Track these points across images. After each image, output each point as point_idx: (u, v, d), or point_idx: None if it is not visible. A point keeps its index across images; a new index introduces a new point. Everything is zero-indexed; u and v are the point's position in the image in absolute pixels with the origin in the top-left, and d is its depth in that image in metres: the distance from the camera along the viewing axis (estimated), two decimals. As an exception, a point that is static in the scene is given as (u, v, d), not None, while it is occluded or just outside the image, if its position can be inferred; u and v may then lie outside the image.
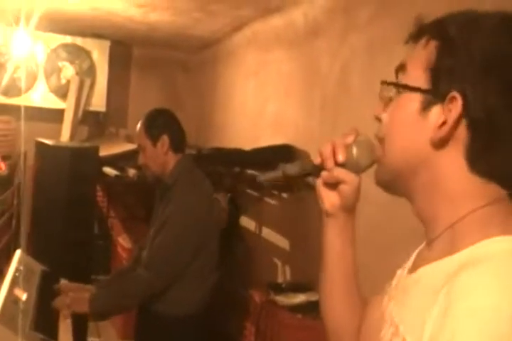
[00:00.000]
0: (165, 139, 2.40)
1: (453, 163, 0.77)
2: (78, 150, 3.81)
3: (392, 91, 0.84)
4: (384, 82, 0.86)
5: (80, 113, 5.04)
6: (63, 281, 2.43)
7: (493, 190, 0.77)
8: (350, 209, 1.00)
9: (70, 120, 4.84)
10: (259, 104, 4.06)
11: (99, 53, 5.21)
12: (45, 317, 1.98)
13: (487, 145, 0.75)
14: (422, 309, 0.71)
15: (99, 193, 4.59)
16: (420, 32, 0.83)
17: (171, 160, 2.43)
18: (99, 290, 2.37)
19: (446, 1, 2.18)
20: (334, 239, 1.04)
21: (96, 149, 3.82)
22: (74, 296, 2.24)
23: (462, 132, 0.75)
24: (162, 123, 2.45)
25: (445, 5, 2.19)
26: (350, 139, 0.94)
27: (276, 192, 3.65)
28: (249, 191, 3.98)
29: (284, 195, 3.57)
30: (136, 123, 2.52)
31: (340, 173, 0.94)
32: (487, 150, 0.75)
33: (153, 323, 2.39)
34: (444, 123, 0.75)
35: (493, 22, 0.77)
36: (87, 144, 4.64)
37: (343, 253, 1.04)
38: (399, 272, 0.94)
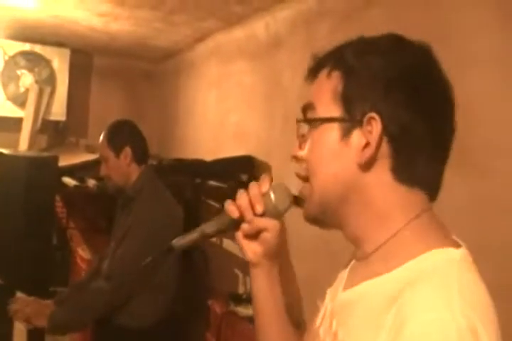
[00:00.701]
0: (128, 151, 2.41)
1: (380, 179, 0.80)
2: (36, 159, 3.74)
3: (306, 128, 0.87)
4: (299, 120, 0.89)
5: (39, 122, 4.96)
6: (19, 295, 2.38)
7: (421, 199, 0.81)
8: (273, 254, 1.02)
9: (28, 129, 4.76)
10: (221, 115, 4.08)
11: (60, 61, 5.14)
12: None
13: (408, 156, 0.79)
14: (370, 327, 0.72)
15: (59, 204, 4.52)
16: (318, 67, 0.87)
17: (134, 171, 2.43)
18: (58, 304, 2.33)
19: (400, 15, 2.24)
20: (262, 285, 1.05)
21: (55, 159, 3.76)
22: (34, 310, 2.20)
23: (385, 149, 0.79)
24: (125, 134, 2.45)
25: (397, 19, 2.24)
26: (265, 187, 0.96)
27: (237, 203, 3.65)
28: (210, 202, 3.97)
29: (245, 205, 3.57)
30: (97, 133, 2.51)
31: (261, 222, 0.95)
32: (409, 161, 0.79)
33: (112, 336, 2.36)
34: (366, 145, 0.78)
35: (385, 43, 0.82)
36: (45, 154, 4.56)
37: (272, 295, 1.05)
38: (328, 291, 0.96)
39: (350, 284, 0.86)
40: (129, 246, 2.28)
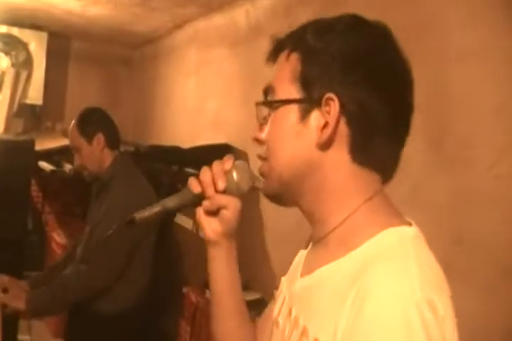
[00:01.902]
0: (100, 136, 2.41)
1: (338, 160, 0.81)
2: (12, 143, 3.71)
3: (266, 111, 0.87)
4: (258, 103, 0.89)
5: (16, 106, 4.90)
6: None
7: (375, 181, 0.83)
8: (231, 233, 1.03)
9: (4, 113, 4.71)
10: (199, 103, 4.06)
11: (37, 45, 5.07)
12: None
13: (366, 136, 0.80)
14: (331, 310, 0.74)
15: (34, 188, 4.48)
16: (278, 48, 0.87)
17: (108, 157, 2.44)
18: (37, 287, 2.32)
19: (381, 3, 2.25)
20: (220, 265, 1.05)
21: (31, 142, 3.73)
22: (11, 293, 2.20)
23: (343, 129, 0.79)
24: (96, 121, 2.46)
25: (379, 7, 2.25)
26: (228, 165, 0.97)
27: (214, 191, 3.65)
28: (187, 189, 3.97)
29: (222, 193, 3.58)
30: (74, 118, 2.50)
31: (223, 199, 0.96)
32: (367, 141, 0.80)
33: (87, 320, 2.36)
34: (325, 125, 0.79)
35: (344, 23, 0.82)
36: (22, 137, 4.51)
37: (231, 277, 1.06)
38: (284, 278, 0.98)
39: (308, 270, 0.86)
40: (103, 232, 2.27)
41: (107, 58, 5.57)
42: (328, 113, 0.79)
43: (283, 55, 0.86)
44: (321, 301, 0.79)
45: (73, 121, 2.47)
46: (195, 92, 4.16)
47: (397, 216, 0.81)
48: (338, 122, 0.79)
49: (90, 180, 2.51)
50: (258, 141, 0.89)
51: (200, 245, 3.64)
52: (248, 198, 3.24)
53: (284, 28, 2.84)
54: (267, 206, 3.05)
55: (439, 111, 1.96)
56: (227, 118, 3.60)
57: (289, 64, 0.84)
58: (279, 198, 0.89)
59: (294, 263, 0.96)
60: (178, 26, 4.41)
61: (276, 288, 1.01)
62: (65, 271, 2.36)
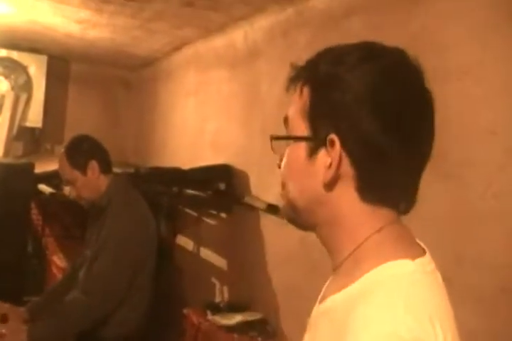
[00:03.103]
0: (94, 164, 2.41)
1: (345, 198, 0.81)
2: (12, 166, 3.72)
3: (281, 144, 0.88)
4: (272, 137, 0.90)
5: (15, 129, 4.92)
6: None
7: (386, 214, 0.81)
8: None
9: (4, 136, 4.72)
10: (198, 124, 4.07)
11: (36, 68, 5.10)
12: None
13: (372, 174, 0.79)
14: None
15: (34, 211, 4.47)
16: (294, 79, 0.87)
17: (103, 182, 2.44)
18: (37, 314, 2.30)
19: (378, 25, 2.27)
20: None
21: (31, 166, 3.73)
22: (10, 326, 2.18)
23: (348, 169, 0.78)
24: (86, 150, 2.44)
25: (376, 29, 2.27)
26: None
27: (214, 212, 3.65)
28: (187, 210, 3.96)
29: (223, 214, 3.58)
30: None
31: None
32: (373, 179, 0.79)
33: None
34: (330, 164, 0.79)
35: (356, 54, 0.80)
36: (22, 160, 4.52)
37: None
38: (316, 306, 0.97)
39: (322, 298, 0.86)
40: (104, 261, 2.28)
41: (106, 80, 5.60)
42: (332, 153, 0.79)
43: (297, 87, 0.85)
44: (322, 332, 0.79)
45: (62, 155, 2.44)
46: (195, 114, 4.17)
47: (404, 248, 0.79)
48: (340, 163, 0.78)
49: (88, 207, 2.50)
50: (279, 167, 0.90)
51: (200, 266, 3.64)
52: (249, 218, 3.25)
53: (282, 49, 2.88)
54: (268, 227, 3.04)
55: (436, 130, 1.96)
56: (227, 139, 3.61)
57: (302, 98, 0.83)
58: (297, 225, 0.90)
59: (323, 290, 0.96)
60: (177, 48, 4.44)
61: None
62: (67, 297, 2.34)
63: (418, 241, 0.85)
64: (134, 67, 5.44)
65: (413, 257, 0.77)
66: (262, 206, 2.97)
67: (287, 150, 0.86)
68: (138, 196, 2.51)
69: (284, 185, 0.88)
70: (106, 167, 2.46)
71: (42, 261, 4.38)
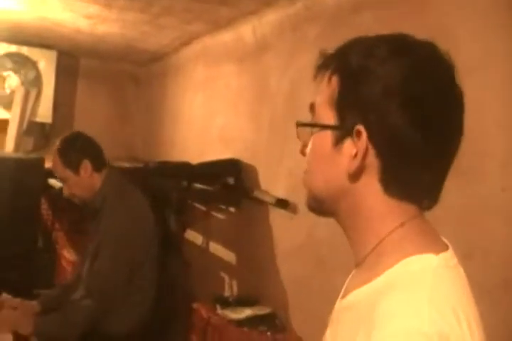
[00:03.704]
0: (86, 163, 2.38)
1: (369, 189, 0.81)
2: (23, 161, 3.74)
3: (306, 131, 0.87)
4: (297, 124, 0.90)
5: (25, 124, 4.94)
6: (5, 296, 2.38)
7: (409, 209, 0.81)
8: None
9: (14, 131, 4.73)
10: (207, 118, 4.08)
11: (46, 63, 5.12)
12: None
13: (396, 168, 0.79)
14: (349, 337, 0.74)
15: (44, 205, 4.49)
16: (323, 67, 0.86)
17: (97, 180, 2.41)
18: (49, 307, 2.31)
19: (389, 19, 2.26)
20: None
21: (41, 160, 3.75)
22: (19, 316, 2.19)
23: (373, 160, 0.79)
24: (78, 149, 2.41)
25: (387, 23, 2.26)
26: None
27: (223, 206, 3.66)
28: (196, 205, 3.97)
29: (231, 209, 3.59)
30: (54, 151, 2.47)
31: None
32: (397, 173, 0.79)
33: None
34: (356, 155, 0.79)
35: (386, 47, 0.80)
36: (32, 155, 4.54)
37: None
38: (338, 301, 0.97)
39: (345, 293, 0.87)
40: (103, 261, 2.28)
41: (115, 76, 5.61)
42: (358, 144, 0.79)
43: (326, 75, 0.85)
44: (344, 326, 0.79)
45: (55, 153, 2.42)
46: (203, 108, 4.18)
47: (428, 243, 0.79)
48: (366, 154, 0.78)
49: (83, 205, 2.49)
50: (303, 153, 0.90)
51: (209, 260, 3.64)
52: (258, 213, 3.25)
53: (291, 43, 2.87)
54: (277, 221, 3.04)
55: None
56: (235, 134, 3.61)
57: (330, 87, 0.83)
58: (318, 212, 0.90)
59: (345, 284, 0.96)
60: (186, 43, 4.44)
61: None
62: (74, 295, 2.34)
63: (442, 237, 0.84)
64: (143, 62, 5.45)
65: (437, 252, 0.77)
66: (271, 200, 2.97)
67: (313, 138, 0.86)
68: (133, 191, 2.49)
69: (307, 172, 0.88)
70: (99, 165, 2.43)
71: (52, 255, 4.40)
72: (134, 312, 2.39)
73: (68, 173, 2.38)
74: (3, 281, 2.55)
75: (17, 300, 2.35)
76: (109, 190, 2.40)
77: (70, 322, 2.27)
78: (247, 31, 3.53)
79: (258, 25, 3.40)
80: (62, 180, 2.43)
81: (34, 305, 2.36)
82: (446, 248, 0.80)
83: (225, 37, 3.84)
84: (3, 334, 2.08)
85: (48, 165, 3.94)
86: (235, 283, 3.51)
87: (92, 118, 5.30)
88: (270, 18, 3.25)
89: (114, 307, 2.31)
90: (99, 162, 2.43)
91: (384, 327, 0.67)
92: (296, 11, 2.99)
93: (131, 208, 2.41)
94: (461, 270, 0.80)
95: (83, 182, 2.39)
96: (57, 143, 2.48)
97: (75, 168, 2.37)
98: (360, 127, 0.78)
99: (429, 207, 0.84)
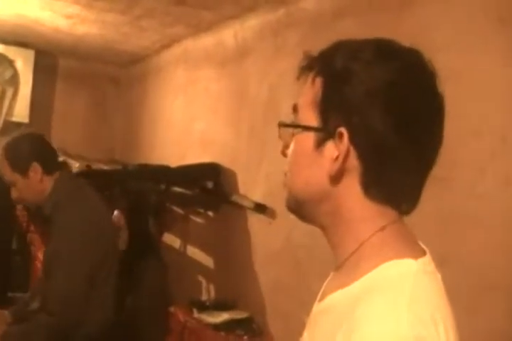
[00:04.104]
0: (36, 166, 2.24)
1: (350, 192, 0.81)
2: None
3: (288, 132, 0.87)
4: (279, 125, 0.89)
5: (1, 123, 4.88)
6: None
7: (389, 213, 0.82)
8: None
9: (-11, 130, 4.68)
10: (186, 122, 4.07)
11: (23, 62, 5.06)
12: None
13: (377, 171, 0.79)
14: (328, 339, 0.74)
15: (19, 207, 4.43)
16: (307, 67, 0.86)
17: (48, 183, 2.27)
18: (19, 319, 2.25)
19: (370, 25, 2.29)
20: None
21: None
22: None
23: (354, 163, 0.79)
24: (26, 151, 2.26)
25: (368, 29, 2.28)
26: None
27: (202, 210, 3.66)
28: (174, 208, 3.96)
29: (210, 213, 3.58)
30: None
31: None
32: (378, 176, 0.79)
33: None
34: (337, 157, 0.79)
35: (372, 50, 0.80)
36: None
37: None
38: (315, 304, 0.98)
39: (322, 296, 0.87)
40: (57, 281, 2.16)
41: (94, 77, 5.56)
42: (340, 146, 0.79)
43: (310, 77, 0.85)
44: (321, 330, 0.79)
45: (1, 156, 2.27)
46: (183, 111, 4.17)
47: (405, 247, 0.80)
48: (347, 156, 0.78)
49: (34, 209, 2.37)
50: (284, 155, 0.89)
51: (187, 264, 3.63)
52: (237, 217, 3.25)
53: (271, 49, 2.87)
54: (255, 225, 3.05)
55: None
56: (215, 138, 3.61)
57: (313, 88, 0.83)
58: (298, 215, 0.90)
59: (322, 287, 0.96)
60: (167, 46, 4.43)
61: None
62: (32, 305, 2.26)
63: (419, 242, 0.85)
64: (123, 63, 5.41)
65: (415, 257, 0.77)
66: (250, 205, 2.98)
67: (294, 139, 0.86)
68: (87, 195, 2.38)
69: (287, 174, 0.88)
70: (50, 167, 2.28)
71: (26, 257, 4.35)
72: (93, 317, 2.25)
73: (16, 177, 2.24)
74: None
75: None
76: (60, 196, 2.26)
77: (33, 336, 2.16)
78: (228, 35, 3.54)
79: (239, 29, 3.40)
80: (10, 183, 2.27)
81: (6, 314, 2.30)
82: (424, 253, 0.81)
83: (206, 41, 3.84)
84: None
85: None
86: (212, 287, 3.51)
87: (70, 119, 5.26)
88: (252, 23, 3.27)
89: (70, 326, 2.19)
90: (50, 164, 2.29)
91: (362, 330, 0.67)
92: (277, 17, 3.00)
93: (85, 214, 2.27)
94: (439, 276, 0.81)
95: (33, 185, 2.24)
96: (3, 143, 2.30)
97: (24, 171, 2.23)
98: (343, 129, 0.78)
99: (408, 212, 0.85)
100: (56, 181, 2.28)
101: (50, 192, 2.26)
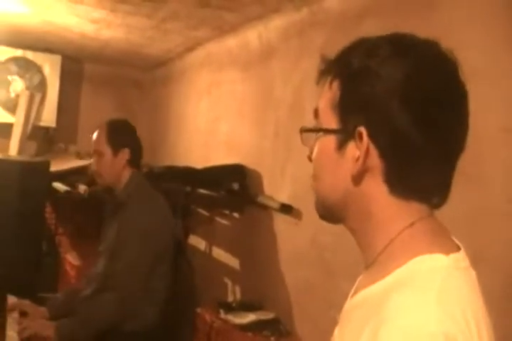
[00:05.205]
0: (126, 152, 2.38)
1: (375, 191, 0.81)
2: (29, 164, 3.74)
3: (311, 136, 0.88)
4: (301, 130, 0.90)
5: (29, 128, 4.95)
6: (12, 298, 2.37)
7: (418, 208, 0.81)
8: None
9: (18, 135, 4.75)
10: (211, 124, 4.09)
11: (51, 68, 5.14)
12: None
13: (400, 168, 0.79)
14: (356, 335, 0.74)
15: (48, 209, 4.49)
16: (325, 72, 0.87)
17: (126, 174, 2.40)
18: (57, 314, 2.30)
19: (395, 25, 2.27)
20: None
21: (47, 164, 3.76)
22: (30, 318, 2.20)
23: (377, 161, 0.79)
24: (127, 135, 2.43)
25: (393, 30, 2.27)
26: None
27: (227, 212, 3.67)
28: (200, 210, 3.98)
29: (235, 214, 3.59)
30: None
31: None
32: (401, 174, 0.79)
33: (106, 339, 2.35)
34: (358, 157, 0.79)
35: (388, 47, 0.80)
36: (38, 159, 4.55)
37: None
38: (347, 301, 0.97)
39: (354, 293, 0.87)
40: (127, 254, 2.27)
41: (119, 81, 5.63)
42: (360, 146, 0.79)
43: (327, 80, 0.86)
44: (352, 324, 0.79)
45: (103, 125, 2.41)
46: (208, 114, 4.19)
47: (438, 242, 0.79)
48: (368, 155, 0.78)
49: (102, 190, 2.48)
50: (310, 159, 0.90)
51: (213, 265, 3.62)
52: (262, 218, 3.24)
53: (296, 49, 2.87)
54: (280, 226, 3.05)
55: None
56: (240, 139, 3.62)
57: (331, 91, 0.84)
58: (328, 218, 0.90)
59: (354, 285, 0.96)
60: (191, 49, 4.46)
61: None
62: (84, 292, 2.34)
63: (453, 237, 0.84)
64: (147, 67, 5.46)
65: (447, 252, 0.77)
66: (275, 206, 2.98)
67: (317, 143, 0.86)
68: (157, 194, 2.50)
69: (314, 178, 0.88)
70: (135, 161, 2.43)
71: (55, 258, 4.41)
72: (147, 311, 2.38)
73: (106, 150, 2.37)
74: (8, 284, 2.55)
75: (26, 303, 2.35)
76: (136, 189, 2.40)
77: (91, 318, 2.26)
78: (252, 37, 3.54)
79: (264, 30, 3.41)
80: (96, 153, 2.40)
81: (44, 311, 2.35)
82: (457, 249, 0.80)
83: (230, 43, 3.86)
84: (9, 331, 2.08)
85: (53, 168, 3.96)
86: (238, 288, 3.51)
87: (96, 123, 5.25)
88: (276, 23, 3.27)
89: (134, 305, 2.30)
90: (136, 158, 2.44)
91: (390, 324, 0.67)
92: (301, 17, 3.00)
93: (157, 211, 2.41)
94: (473, 273, 0.79)
95: (115, 166, 2.38)
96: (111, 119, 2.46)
97: (116, 148, 2.37)
98: (361, 128, 0.78)
99: (439, 205, 0.84)
100: (133, 175, 2.41)
101: (126, 183, 2.39)
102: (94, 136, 2.41)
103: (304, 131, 0.90)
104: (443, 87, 0.79)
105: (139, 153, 2.46)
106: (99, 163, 2.39)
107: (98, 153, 2.38)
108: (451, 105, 0.79)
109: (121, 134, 2.41)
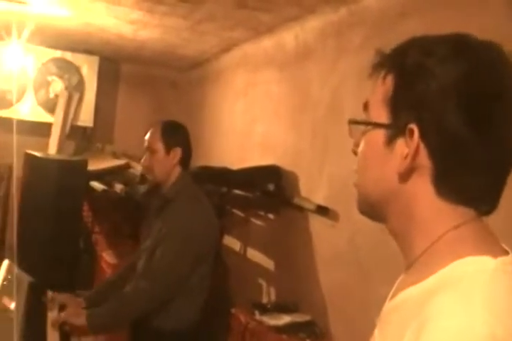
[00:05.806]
0: (178, 152, 2.42)
1: (420, 191, 0.79)
2: (67, 163, 3.80)
3: (359, 129, 0.86)
4: (350, 122, 0.88)
5: (68, 127, 5.03)
6: (51, 293, 2.42)
7: (464, 212, 0.79)
8: None
9: (57, 134, 4.83)
10: (247, 125, 4.09)
11: (88, 68, 5.22)
12: (32, 328, 1.97)
13: (449, 170, 0.77)
14: (397, 336, 0.72)
15: (85, 207, 4.55)
16: (379, 66, 0.85)
17: (175, 174, 2.44)
18: (93, 305, 2.35)
19: (435, 26, 2.24)
20: None
21: (85, 163, 3.81)
22: (68, 310, 2.24)
23: (425, 161, 0.77)
24: (181, 136, 2.48)
25: (433, 31, 2.23)
26: None
27: (262, 213, 3.66)
28: (235, 211, 3.98)
29: (271, 215, 3.58)
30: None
31: None
32: (450, 176, 0.77)
33: (145, 337, 2.38)
34: (407, 155, 0.77)
35: (447, 46, 0.78)
36: (76, 157, 4.62)
37: None
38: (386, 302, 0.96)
39: (393, 295, 0.85)
40: (168, 249, 2.29)
41: (155, 81, 5.68)
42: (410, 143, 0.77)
43: (381, 74, 0.84)
44: (392, 326, 0.78)
45: (158, 124, 2.48)
46: (243, 115, 4.19)
47: (485, 246, 0.76)
48: (417, 154, 0.77)
49: (151, 185, 2.50)
50: (355, 153, 0.88)
51: (247, 266, 3.62)
52: (298, 220, 3.23)
53: (333, 50, 2.84)
54: (316, 228, 3.03)
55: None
56: (276, 140, 3.61)
57: (384, 85, 0.82)
58: (369, 215, 0.89)
59: (394, 287, 0.94)
60: (226, 49, 4.47)
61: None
62: (127, 286, 2.38)
63: (502, 243, 0.81)
64: (183, 68, 5.50)
65: (495, 255, 0.74)
66: (311, 207, 2.96)
67: (365, 137, 0.85)
68: (203, 195, 2.53)
69: (358, 173, 0.87)
70: (185, 162, 2.47)
71: (92, 256, 4.47)
72: (187, 310, 2.40)
73: (160, 147, 2.41)
74: (47, 281, 2.59)
75: (65, 296, 2.40)
76: (184, 187, 2.44)
77: (125, 308, 2.30)
78: (288, 38, 3.54)
79: (300, 31, 3.40)
80: (149, 150, 2.44)
81: (80, 301, 2.40)
82: (505, 253, 0.77)
83: (266, 43, 3.85)
84: (52, 332, 2.11)
85: (90, 167, 4.01)
86: (272, 290, 3.50)
87: (132, 123, 5.37)
88: (313, 24, 3.25)
89: (170, 301, 2.32)
90: (187, 159, 2.48)
91: (433, 325, 0.66)
92: (339, 17, 2.98)
93: (202, 209, 2.44)
94: None
95: (166, 165, 2.42)
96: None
97: (169, 146, 2.41)
98: (413, 126, 0.76)
99: (487, 213, 0.81)
100: (181, 176, 2.45)
101: (175, 181, 2.43)
102: (148, 134, 2.47)
103: (352, 122, 0.88)
104: (500, 90, 0.77)
105: (189, 153, 2.51)
106: (151, 160, 2.44)
107: (151, 150, 2.44)
108: (507, 110, 0.77)
109: (175, 134, 2.46)
